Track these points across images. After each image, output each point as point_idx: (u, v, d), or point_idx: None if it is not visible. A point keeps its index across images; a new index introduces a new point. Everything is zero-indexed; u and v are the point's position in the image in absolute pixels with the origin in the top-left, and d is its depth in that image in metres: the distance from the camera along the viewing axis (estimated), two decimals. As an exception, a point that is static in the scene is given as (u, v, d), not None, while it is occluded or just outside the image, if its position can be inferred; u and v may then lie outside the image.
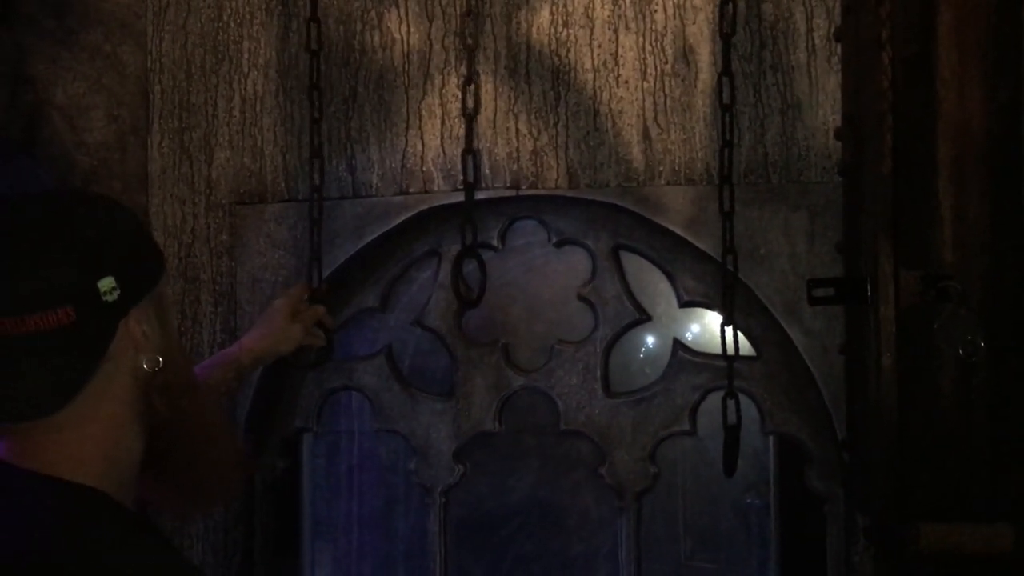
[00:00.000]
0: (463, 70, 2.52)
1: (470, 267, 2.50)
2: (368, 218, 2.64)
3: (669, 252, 2.57)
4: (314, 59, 2.49)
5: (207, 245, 2.72)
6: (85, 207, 1.13)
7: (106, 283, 1.05)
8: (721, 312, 2.35)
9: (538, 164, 2.55)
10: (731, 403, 2.29)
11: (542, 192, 2.56)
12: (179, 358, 1.16)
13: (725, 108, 2.30)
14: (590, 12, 2.52)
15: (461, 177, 2.52)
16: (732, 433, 2.26)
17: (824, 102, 2.39)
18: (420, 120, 2.61)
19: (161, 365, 1.10)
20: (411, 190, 2.61)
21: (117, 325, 1.08)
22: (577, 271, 2.68)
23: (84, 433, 1.07)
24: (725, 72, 2.30)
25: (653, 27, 2.49)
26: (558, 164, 2.54)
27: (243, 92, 2.70)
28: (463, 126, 2.53)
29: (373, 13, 2.64)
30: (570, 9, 2.53)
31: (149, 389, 1.11)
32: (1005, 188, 1.88)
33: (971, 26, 1.89)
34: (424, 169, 2.61)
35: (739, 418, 2.28)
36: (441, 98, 2.60)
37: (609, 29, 2.51)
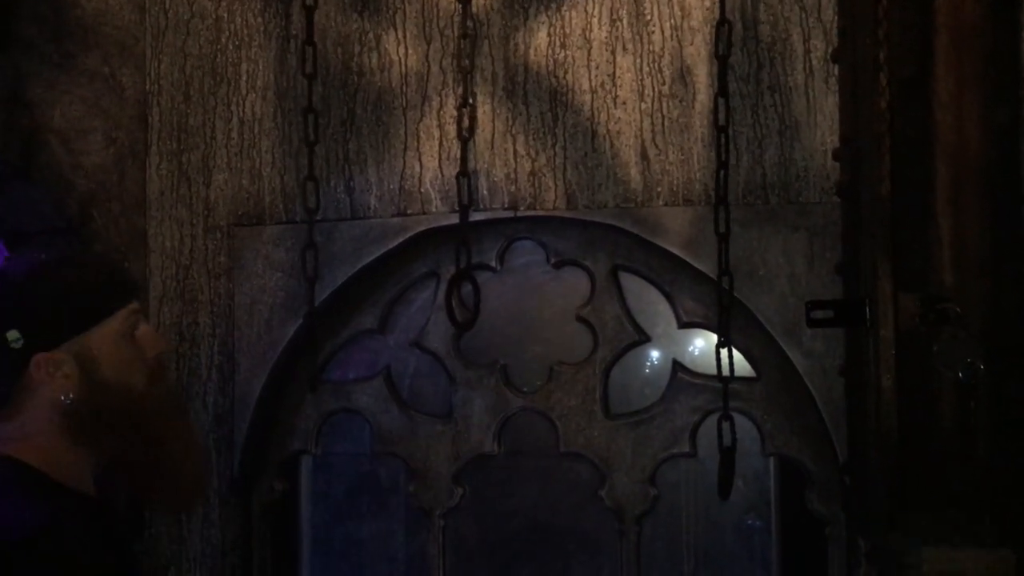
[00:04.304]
0: (460, 92, 2.52)
1: (468, 289, 2.49)
2: (366, 240, 2.63)
3: (668, 273, 2.56)
4: (310, 83, 2.49)
5: (205, 267, 2.72)
6: (16, 277, 1.48)
7: (11, 334, 1.42)
8: (717, 333, 2.34)
9: (536, 185, 2.54)
10: (726, 425, 2.27)
11: (540, 213, 2.56)
12: (106, 396, 1.45)
13: (720, 130, 2.29)
14: (587, 34, 2.52)
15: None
16: (727, 455, 2.24)
17: (822, 123, 2.39)
18: (418, 142, 2.61)
19: (72, 400, 1.43)
20: (409, 211, 2.61)
21: (26, 364, 1.42)
22: (576, 292, 2.68)
23: (22, 432, 1.44)
24: (721, 93, 2.30)
25: (650, 48, 2.49)
26: (556, 185, 2.53)
27: (241, 114, 2.71)
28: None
29: (371, 35, 2.64)
30: (567, 31, 2.53)
31: (72, 413, 1.43)
32: (1004, 210, 1.86)
33: (969, 48, 1.88)
34: (422, 190, 2.60)
35: (734, 440, 2.27)
36: (439, 119, 2.59)
37: (607, 50, 2.51)
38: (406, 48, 2.62)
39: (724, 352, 2.29)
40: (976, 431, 1.83)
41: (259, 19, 2.70)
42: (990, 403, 1.83)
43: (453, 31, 2.57)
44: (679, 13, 2.47)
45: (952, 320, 1.80)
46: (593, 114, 2.51)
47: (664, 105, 2.48)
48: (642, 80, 2.49)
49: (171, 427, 1.53)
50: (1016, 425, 1.85)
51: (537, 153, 2.54)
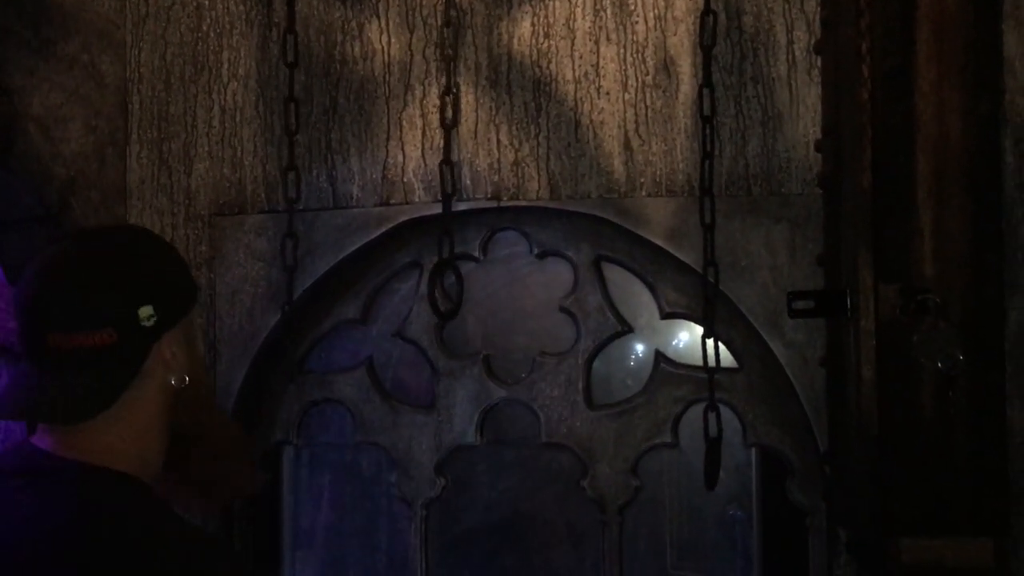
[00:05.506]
0: (443, 81, 2.51)
1: (450, 279, 2.49)
2: (348, 229, 2.62)
3: (651, 264, 2.56)
4: (292, 71, 2.48)
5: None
6: (136, 244, 1.35)
7: (145, 311, 1.26)
8: (702, 324, 2.34)
9: (519, 175, 2.54)
10: (712, 415, 2.28)
11: (523, 203, 2.55)
12: (202, 378, 1.38)
13: (705, 120, 2.29)
14: (571, 23, 2.52)
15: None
16: (713, 445, 2.25)
17: (804, 114, 2.39)
18: (401, 131, 2.59)
19: (186, 383, 1.32)
20: (392, 201, 2.60)
21: (151, 346, 1.28)
22: (559, 282, 2.67)
23: (120, 433, 1.28)
24: (706, 84, 2.30)
25: (634, 39, 2.49)
26: (539, 175, 2.53)
27: (222, 103, 2.69)
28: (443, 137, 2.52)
29: (354, 23, 2.63)
30: (551, 20, 2.52)
31: (175, 401, 1.32)
32: (984, 201, 1.87)
33: (950, 39, 1.89)
34: (405, 180, 2.59)
35: (720, 430, 2.27)
36: (422, 109, 2.58)
37: (590, 40, 2.51)
38: (389, 37, 2.61)
39: (710, 343, 2.30)
40: (955, 421, 1.84)
41: (241, 7, 2.68)
42: (969, 393, 1.84)
43: (436, 20, 2.56)
44: (663, 3, 2.47)
45: (932, 311, 1.81)
46: (576, 104, 2.51)
47: (648, 96, 2.48)
48: (626, 70, 2.49)
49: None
50: (995, 415, 1.86)
51: (520, 143, 2.54)
